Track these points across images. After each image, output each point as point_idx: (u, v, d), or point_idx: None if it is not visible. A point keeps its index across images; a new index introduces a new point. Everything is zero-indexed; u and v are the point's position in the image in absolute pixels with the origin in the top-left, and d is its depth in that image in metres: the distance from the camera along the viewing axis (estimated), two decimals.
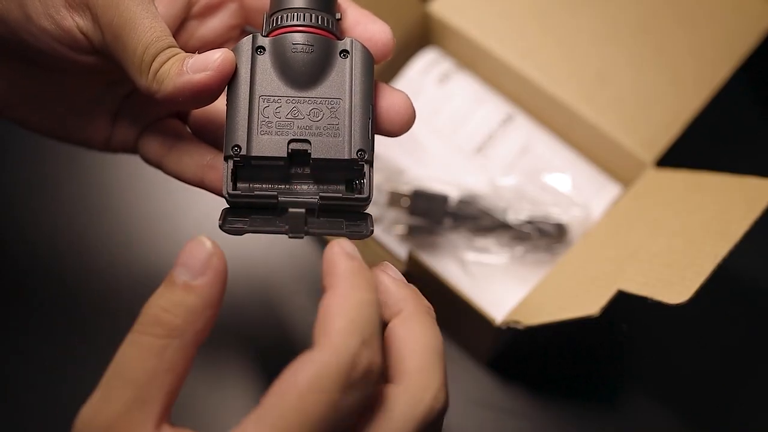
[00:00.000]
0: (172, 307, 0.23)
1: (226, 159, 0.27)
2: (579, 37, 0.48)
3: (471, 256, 0.47)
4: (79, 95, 0.34)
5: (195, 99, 0.27)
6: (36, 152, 0.54)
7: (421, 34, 0.53)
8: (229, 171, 0.27)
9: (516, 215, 0.46)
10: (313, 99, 0.27)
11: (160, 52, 0.27)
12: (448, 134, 0.50)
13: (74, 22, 0.28)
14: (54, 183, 0.53)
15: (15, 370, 0.46)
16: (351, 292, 0.23)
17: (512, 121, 0.51)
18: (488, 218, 0.46)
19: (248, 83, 0.27)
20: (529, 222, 0.46)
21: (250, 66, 0.27)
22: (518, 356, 0.47)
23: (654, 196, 0.43)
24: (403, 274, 0.43)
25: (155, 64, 0.27)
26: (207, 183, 0.33)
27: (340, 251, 0.24)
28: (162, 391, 0.22)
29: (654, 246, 0.37)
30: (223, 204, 0.29)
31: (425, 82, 0.51)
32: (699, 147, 0.48)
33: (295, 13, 0.28)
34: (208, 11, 0.32)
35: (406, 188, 0.47)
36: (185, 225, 0.51)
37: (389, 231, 0.47)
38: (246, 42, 0.28)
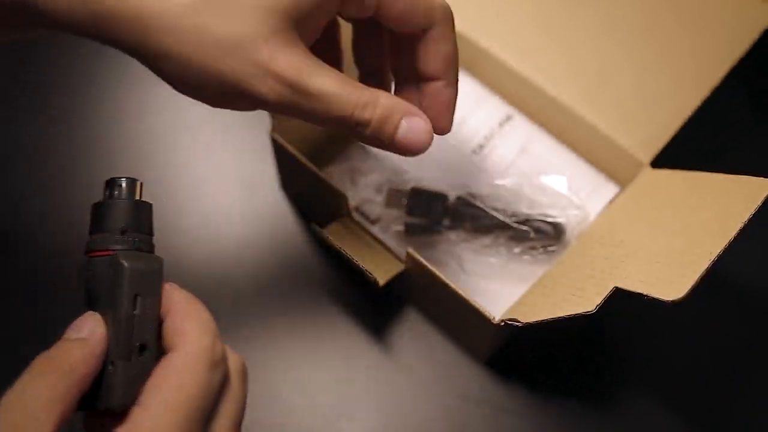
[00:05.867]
0: (64, 354, 0.26)
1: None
2: (578, 38, 0.49)
3: (469, 255, 0.47)
4: None
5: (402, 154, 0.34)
6: (37, 150, 0.54)
7: None
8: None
9: (514, 215, 0.46)
10: None
11: (356, 111, 0.31)
12: (447, 134, 0.50)
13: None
14: (56, 183, 0.53)
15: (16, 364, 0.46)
16: (187, 306, 0.28)
17: (511, 121, 0.51)
18: (486, 218, 0.46)
19: None
20: (527, 222, 0.46)
21: None
22: (516, 354, 0.47)
23: (651, 195, 0.43)
24: (402, 273, 0.44)
25: (359, 124, 0.32)
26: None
27: (171, 289, 0.28)
28: (53, 416, 0.25)
29: (652, 245, 0.37)
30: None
31: None
32: (695, 146, 0.48)
33: None
34: None
35: (404, 187, 0.47)
36: (186, 223, 0.51)
37: (388, 230, 0.47)
38: None
